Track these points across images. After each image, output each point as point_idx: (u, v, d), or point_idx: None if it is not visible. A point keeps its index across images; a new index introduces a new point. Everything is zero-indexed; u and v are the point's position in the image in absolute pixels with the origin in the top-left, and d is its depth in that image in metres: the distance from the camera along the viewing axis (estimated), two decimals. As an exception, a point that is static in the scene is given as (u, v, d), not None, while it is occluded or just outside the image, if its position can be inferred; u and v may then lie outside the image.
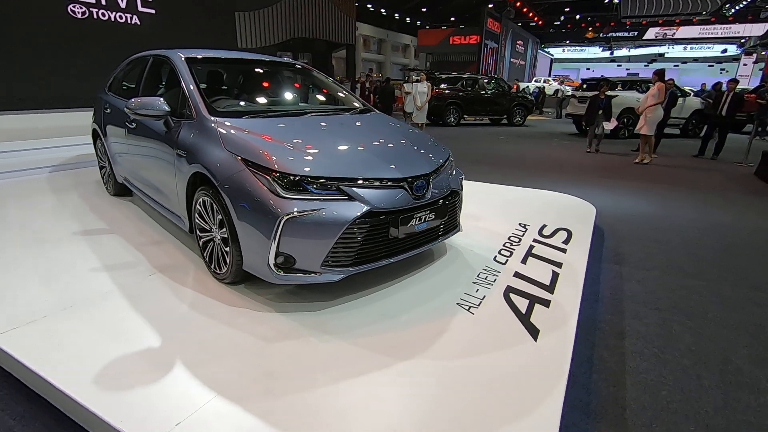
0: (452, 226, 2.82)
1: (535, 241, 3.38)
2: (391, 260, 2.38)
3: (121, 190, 4.08)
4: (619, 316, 2.71)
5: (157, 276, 2.62)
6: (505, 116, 15.54)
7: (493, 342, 2.06)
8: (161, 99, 2.76)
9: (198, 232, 2.64)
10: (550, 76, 40.40)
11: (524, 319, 2.25)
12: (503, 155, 8.91)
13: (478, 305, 2.38)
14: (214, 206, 2.36)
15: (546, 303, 2.43)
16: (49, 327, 2.07)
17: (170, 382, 1.72)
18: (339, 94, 3.71)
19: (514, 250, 3.19)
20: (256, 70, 3.58)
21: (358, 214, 2.15)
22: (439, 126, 14.78)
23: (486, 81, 15.69)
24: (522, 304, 2.40)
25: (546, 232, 3.60)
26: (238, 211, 2.19)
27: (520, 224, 3.77)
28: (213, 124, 2.52)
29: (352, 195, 2.18)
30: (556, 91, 25.78)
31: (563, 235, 3.55)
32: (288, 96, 3.54)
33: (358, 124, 3.06)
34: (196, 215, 2.59)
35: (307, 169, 2.18)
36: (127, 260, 2.84)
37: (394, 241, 2.34)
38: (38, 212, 3.79)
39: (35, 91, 6.76)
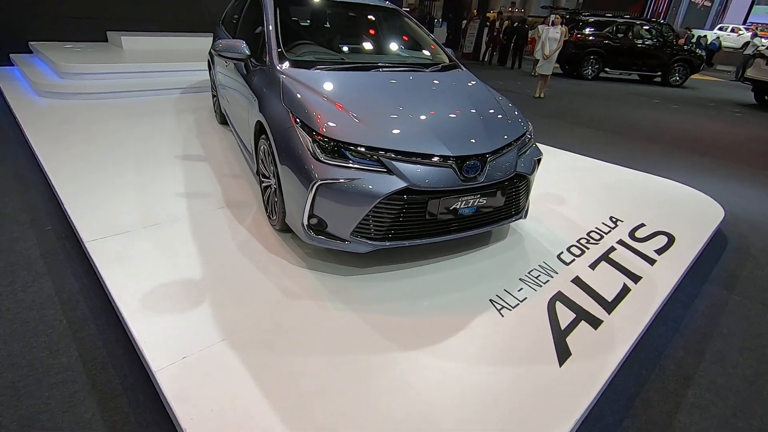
0: (512, 213, 2.53)
1: (620, 243, 2.90)
2: (427, 241, 2.25)
3: (224, 119, 4.46)
4: (697, 356, 2.25)
5: (223, 211, 2.87)
6: (659, 73, 13.01)
7: (509, 355, 1.87)
8: (244, 43, 2.84)
9: (260, 176, 2.78)
10: (745, 23, 31.79)
11: (560, 336, 1.99)
12: (635, 123, 7.57)
13: (513, 307, 2.17)
14: (269, 156, 2.44)
15: (596, 323, 2.11)
16: (126, 241, 2.44)
17: (195, 316, 1.93)
18: (426, 43, 3.40)
19: (588, 249, 2.78)
20: (343, 11, 3.44)
21: (393, 190, 2.03)
22: (571, 78, 13.04)
23: (646, 28, 13.06)
24: (566, 317, 2.12)
25: (640, 233, 3.05)
26: (283, 167, 2.23)
27: (611, 218, 3.24)
28: (279, 74, 2.53)
29: (391, 168, 2.05)
30: (746, 44, 20.44)
31: (661, 240, 2.97)
32: (368, 44, 3.36)
33: (431, 84, 2.80)
34: (260, 161, 2.72)
35: (349, 135, 2.09)
36: (206, 190, 3.16)
37: (432, 222, 2.20)
38: (156, 131, 4.37)
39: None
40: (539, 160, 2.68)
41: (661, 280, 2.52)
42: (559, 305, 2.21)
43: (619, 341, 2.00)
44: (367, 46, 3.35)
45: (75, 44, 7.37)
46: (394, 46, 3.45)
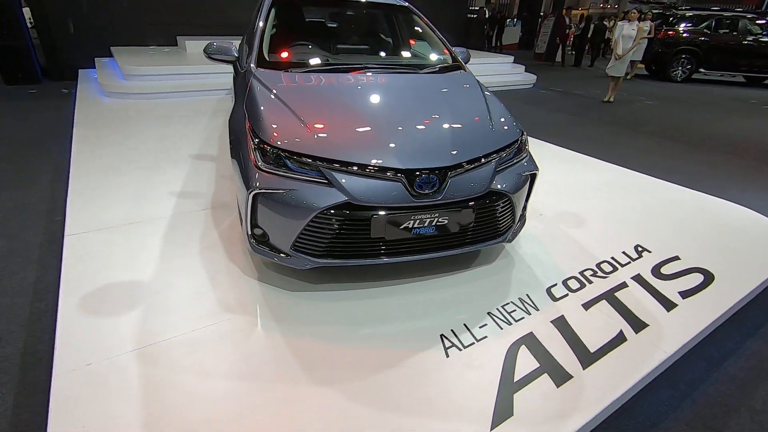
0: (489, 236, 2.21)
1: (636, 278, 2.41)
2: (378, 261, 2.02)
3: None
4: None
5: (206, 212, 2.88)
6: (772, 74, 11.12)
7: (435, 406, 1.58)
8: (234, 45, 2.82)
9: (238, 179, 2.74)
10: None
11: (507, 391, 1.66)
12: (721, 134, 6.46)
13: (465, 347, 1.86)
14: (234, 161, 2.38)
15: (561, 379, 1.73)
16: (100, 238, 2.53)
17: (120, 321, 1.90)
18: (432, 43, 3.13)
19: (590, 283, 2.35)
20: (346, 10, 3.29)
21: (330, 204, 1.84)
22: (658, 80, 11.63)
23: (761, 22, 11.19)
24: (526, 367, 1.77)
25: (668, 269, 2.52)
26: (235, 172, 2.15)
27: (637, 246, 2.73)
28: (251, 76, 2.45)
29: (332, 180, 1.86)
30: None
31: (695, 279, 2.42)
32: (364, 45, 3.17)
33: (414, 89, 2.53)
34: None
35: (291, 143, 1.94)
36: (200, 190, 3.20)
37: (380, 242, 1.97)
38: (186, 132, 4.57)
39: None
40: (533, 176, 2.31)
41: (674, 330, 2.03)
42: (523, 350, 1.86)
43: (583, 407, 1.61)
44: (363, 46, 3.17)
45: (149, 48, 8.09)
46: (392, 47, 3.23)
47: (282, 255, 2.02)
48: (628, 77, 12.01)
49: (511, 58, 10.14)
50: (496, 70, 9.54)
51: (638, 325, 2.05)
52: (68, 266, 2.25)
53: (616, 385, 1.71)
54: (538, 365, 1.78)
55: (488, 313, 2.07)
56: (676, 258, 2.63)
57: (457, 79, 2.75)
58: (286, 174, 1.91)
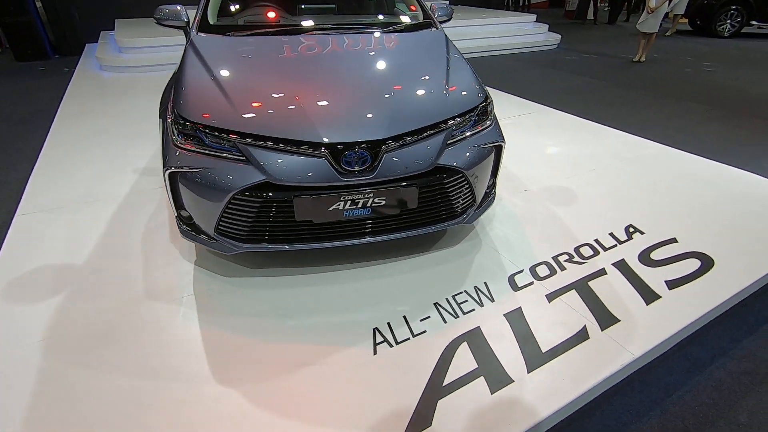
0: (442, 217, 1.96)
1: (618, 265, 2.11)
2: (309, 246, 1.83)
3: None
4: (673, 448, 1.52)
5: (162, 190, 2.75)
6: (837, 25, 9.80)
7: (347, 411, 1.41)
8: (185, 10, 2.59)
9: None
10: None
11: (432, 395, 1.45)
12: (768, 95, 5.73)
13: (398, 343, 1.67)
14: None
15: (498, 383, 1.51)
16: (56, 217, 2.45)
17: (40, 307, 1.81)
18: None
19: (562, 270, 2.07)
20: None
21: (248, 184, 1.64)
22: (701, 37, 10.51)
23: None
24: (461, 368, 1.56)
25: (660, 253, 2.20)
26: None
27: (629, 227, 2.40)
28: (189, 44, 2.24)
29: (250, 158, 1.66)
30: None
31: (690, 266, 2.10)
32: (324, 3, 2.86)
33: (366, 51, 2.23)
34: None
35: (204, 115, 1.73)
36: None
37: (309, 225, 1.76)
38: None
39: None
40: (498, 149, 2.02)
41: (648, 328, 1.75)
42: (463, 349, 1.64)
43: (516, 418, 1.40)
44: (329, 5, 2.85)
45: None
46: (361, 4, 2.91)
47: (207, 239, 1.86)
48: (668, 33, 10.94)
49: (533, 17, 9.38)
50: (515, 31, 8.86)
51: (607, 320, 1.78)
52: (8, 248, 2.19)
53: (563, 393, 1.47)
54: (476, 367, 1.57)
55: (435, 304, 1.85)
56: (673, 241, 2.29)
57: (421, 39, 2.43)
58: (203, 151, 1.72)
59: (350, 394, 1.47)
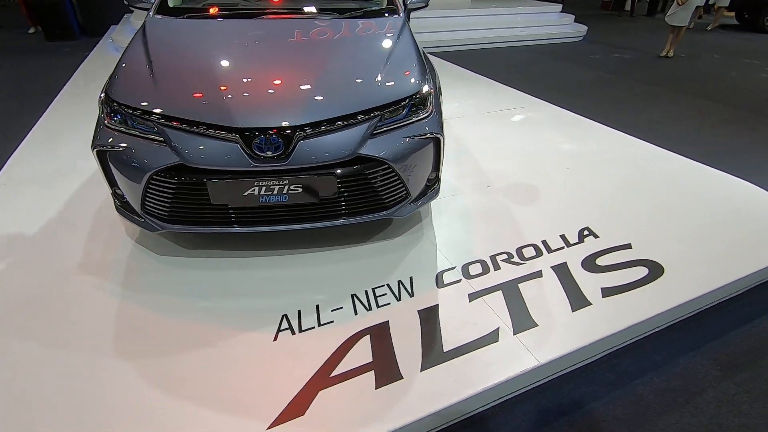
0: (369, 208, 1.93)
1: (557, 268, 2.02)
2: (228, 230, 1.85)
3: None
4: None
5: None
6: None
7: (218, 395, 1.42)
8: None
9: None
10: None
11: (314, 385, 1.45)
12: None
13: (302, 331, 1.67)
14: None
15: (387, 379, 1.48)
16: (26, 189, 2.58)
17: (-17, 273, 1.93)
18: None
19: (497, 269, 2.01)
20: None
21: (162, 165, 1.67)
22: (745, 32, 9.79)
23: None
24: (355, 361, 1.54)
25: (607, 259, 2.09)
26: None
27: (583, 230, 2.29)
28: (141, 26, 2.28)
29: (167, 139, 1.69)
30: None
31: (635, 274, 1.99)
32: None
33: (310, 37, 2.19)
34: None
35: (129, 96, 1.76)
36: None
37: (226, 209, 1.78)
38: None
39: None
40: (436, 141, 1.96)
41: (565, 335, 1.67)
42: (364, 342, 1.62)
43: (393, 416, 1.37)
44: None
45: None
46: None
47: (136, 217, 1.91)
48: (709, 28, 10.26)
49: (559, 7, 8.99)
50: (537, 21, 8.53)
51: (523, 324, 1.71)
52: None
53: (449, 394, 1.43)
54: (371, 360, 1.55)
55: (353, 295, 1.84)
56: (627, 247, 2.17)
57: (375, 25, 2.37)
58: (126, 131, 1.76)
59: (237, 378, 1.49)
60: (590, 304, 1.82)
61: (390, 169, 1.84)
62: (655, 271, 2.00)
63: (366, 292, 1.86)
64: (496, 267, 2.02)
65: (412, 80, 1.95)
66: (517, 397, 1.60)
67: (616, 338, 1.72)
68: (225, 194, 1.73)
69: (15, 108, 4.25)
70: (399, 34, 2.25)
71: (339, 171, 1.75)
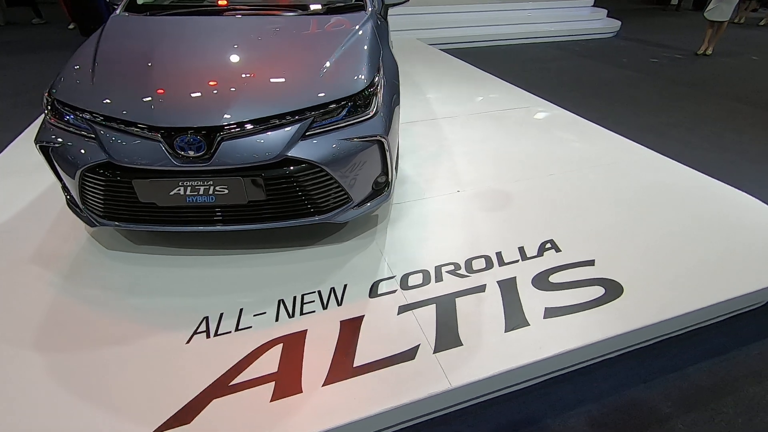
0: (302, 212, 1.87)
1: (504, 283, 1.89)
2: (161, 228, 1.85)
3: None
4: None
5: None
6: None
7: (115, 396, 1.42)
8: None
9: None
10: None
11: (209, 394, 1.41)
12: None
13: (216, 335, 1.64)
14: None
15: (284, 392, 1.42)
16: (6, 180, 2.71)
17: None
18: None
19: (438, 281, 1.90)
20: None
21: (91, 162, 1.69)
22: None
23: None
24: (260, 370, 1.50)
25: (562, 276, 1.93)
26: None
27: (545, 243, 2.14)
28: (107, 23, 2.31)
29: (97, 137, 1.70)
30: None
31: (590, 294, 1.83)
32: None
33: (262, 34, 2.13)
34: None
35: (67, 93, 1.78)
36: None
37: (155, 208, 1.78)
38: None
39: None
40: (380, 144, 1.88)
41: (493, 356, 1.55)
42: (275, 350, 1.58)
43: (282, 431, 1.32)
44: None
45: None
46: None
47: (79, 211, 1.95)
48: (762, 23, 9.42)
49: (591, 1, 8.52)
50: (565, 16, 8.13)
51: (447, 343, 1.60)
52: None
53: (345, 413, 1.36)
54: (276, 371, 1.50)
55: (280, 301, 1.79)
56: (589, 264, 2.00)
57: (334, 22, 2.29)
58: (65, 128, 1.79)
59: (138, 379, 1.48)
60: (528, 325, 1.68)
61: (324, 173, 1.77)
62: (612, 291, 1.83)
63: (294, 298, 1.81)
64: (439, 279, 1.91)
65: (355, 80, 1.87)
66: (429, 422, 1.51)
67: (550, 363, 1.59)
68: (151, 193, 1.72)
69: (37, 101, 4.50)
70: (355, 32, 2.17)
71: (265, 173, 1.71)
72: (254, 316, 1.73)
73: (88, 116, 1.71)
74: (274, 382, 1.46)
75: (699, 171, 2.81)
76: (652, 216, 2.35)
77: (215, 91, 1.73)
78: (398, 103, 2.14)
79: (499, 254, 2.06)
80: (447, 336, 1.63)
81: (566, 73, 5.77)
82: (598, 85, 5.26)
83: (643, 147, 3.16)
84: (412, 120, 3.60)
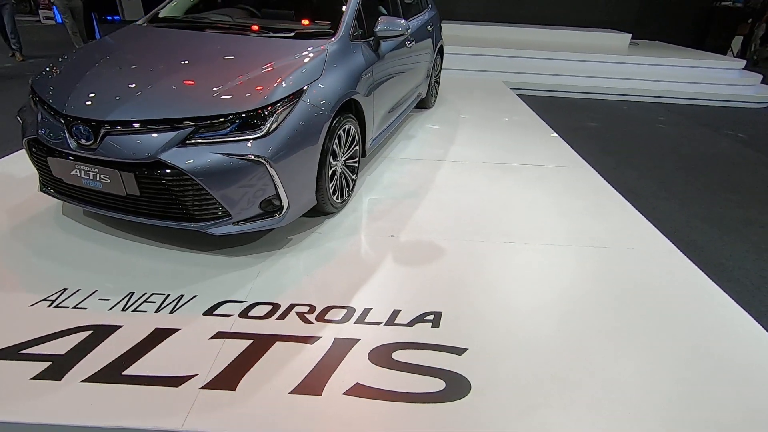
0: (173, 215, 1.95)
1: (339, 342, 1.67)
2: (73, 203, 2.10)
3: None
4: None
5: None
6: None
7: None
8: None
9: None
10: None
11: None
12: None
13: (57, 306, 1.77)
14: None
15: (51, 374, 1.47)
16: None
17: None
18: (329, 10, 2.65)
19: (281, 319, 1.77)
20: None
21: (28, 137, 2.03)
22: None
23: None
24: (55, 346, 1.57)
25: (406, 356, 1.63)
26: None
27: (428, 314, 1.83)
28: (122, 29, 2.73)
29: (37, 117, 2.03)
30: None
31: (430, 385, 1.50)
32: (261, 8, 2.94)
33: (223, 52, 2.27)
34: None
35: (40, 85, 2.12)
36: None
37: (67, 185, 2.02)
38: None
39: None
40: (261, 166, 1.87)
41: (248, 413, 1.38)
42: (81, 334, 1.63)
43: (14, 410, 1.37)
44: (287, 11, 2.89)
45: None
46: (285, 12, 2.87)
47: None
48: None
49: (742, 63, 7.11)
50: (706, 78, 6.90)
51: (223, 383, 1.47)
52: None
53: (68, 414, 1.35)
54: (61, 354, 1.55)
55: (130, 293, 1.87)
56: (457, 351, 1.64)
57: (290, 44, 2.33)
58: (31, 106, 2.16)
59: (-28, 323, 1.68)
60: (318, 394, 1.45)
61: (194, 182, 1.82)
62: (453, 390, 1.48)
63: (144, 294, 1.87)
64: (283, 317, 1.78)
65: (250, 96, 1.89)
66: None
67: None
68: (58, 170, 1.98)
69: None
70: (299, 56, 2.19)
71: (137, 172, 1.82)
72: (99, 300, 1.83)
73: (37, 99, 2.06)
74: (49, 363, 1.52)
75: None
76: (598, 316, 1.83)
77: (120, 92, 1.91)
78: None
79: (367, 310, 1.83)
80: (228, 377, 1.50)
81: (653, 139, 4.88)
82: (686, 159, 4.33)
83: (666, 239, 2.49)
84: (415, 157, 3.43)
